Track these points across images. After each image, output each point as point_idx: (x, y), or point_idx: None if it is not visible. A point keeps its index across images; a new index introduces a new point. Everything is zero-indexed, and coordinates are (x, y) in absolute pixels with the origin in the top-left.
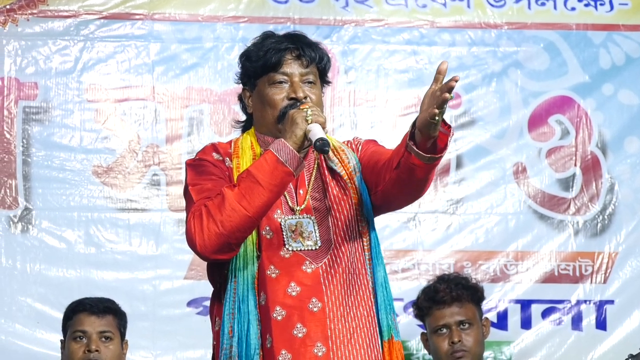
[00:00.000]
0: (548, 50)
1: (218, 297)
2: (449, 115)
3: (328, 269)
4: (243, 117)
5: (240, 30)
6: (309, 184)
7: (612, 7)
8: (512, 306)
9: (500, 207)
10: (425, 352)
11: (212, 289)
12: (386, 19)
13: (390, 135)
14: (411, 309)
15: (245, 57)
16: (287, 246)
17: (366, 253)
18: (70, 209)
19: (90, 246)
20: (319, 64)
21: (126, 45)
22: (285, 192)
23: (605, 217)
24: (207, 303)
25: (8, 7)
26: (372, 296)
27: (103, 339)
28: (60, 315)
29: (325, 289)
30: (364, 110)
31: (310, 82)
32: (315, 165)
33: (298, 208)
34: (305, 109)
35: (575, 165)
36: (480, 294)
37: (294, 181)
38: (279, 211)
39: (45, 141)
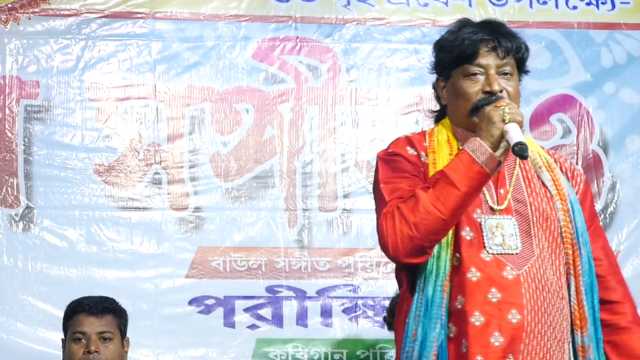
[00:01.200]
0: (550, 49)
1: (406, 297)
2: None
3: (529, 279)
4: (438, 107)
5: (242, 29)
6: (510, 184)
7: (613, 6)
8: None
9: None
10: None
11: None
12: (388, 18)
13: (392, 133)
14: None
15: (439, 47)
16: (487, 248)
17: (571, 277)
18: (71, 207)
19: (92, 245)
20: (516, 55)
21: (128, 44)
22: (485, 190)
23: (607, 215)
24: (208, 302)
25: (10, 5)
26: (567, 320)
27: (102, 340)
28: (62, 314)
29: (526, 302)
30: (366, 108)
31: (506, 74)
32: (517, 165)
33: (498, 207)
34: (502, 107)
35: (576, 163)
36: None
37: (494, 179)
38: (478, 210)
39: (47, 140)
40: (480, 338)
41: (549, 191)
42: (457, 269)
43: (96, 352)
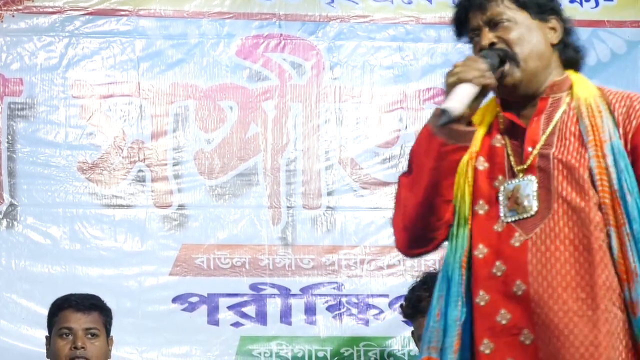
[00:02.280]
0: None
1: None
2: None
3: (539, 242)
4: None
5: (226, 26)
6: (542, 138)
7: (597, 4)
8: None
9: None
10: (411, 349)
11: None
12: (372, 15)
13: (376, 131)
14: (396, 305)
15: (452, 25)
16: (502, 218)
17: (610, 228)
18: (55, 205)
19: (76, 242)
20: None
21: (111, 42)
22: (510, 152)
23: None
24: (192, 299)
25: None
26: (606, 275)
27: (89, 336)
28: (46, 312)
29: (532, 268)
30: (350, 106)
31: (501, 22)
32: (559, 115)
33: (519, 168)
34: (456, 67)
35: None
36: None
37: (527, 135)
38: (500, 177)
39: (30, 137)
40: (485, 319)
41: (584, 139)
42: (470, 246)
43: (82, 347)
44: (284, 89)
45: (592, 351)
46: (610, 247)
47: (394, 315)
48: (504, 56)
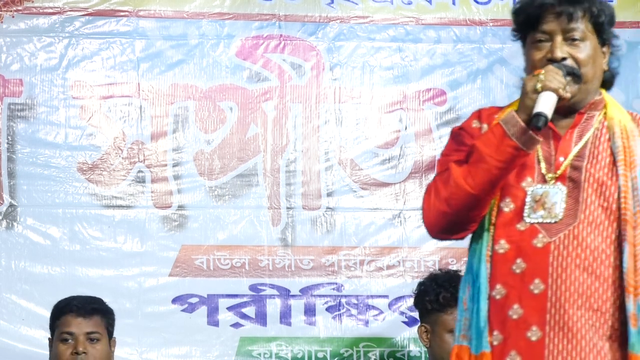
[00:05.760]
0: None
1: None
2: (433, 112)
3: (562, 246)
4: None
5: (226, 27)
6: (573, 150)
7: None
8: None
9: None
10: (411, 350)
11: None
12: (371, 16)
13: (376, 131)
14: (397, 305)
15: (514, 13)
16: (525, 218)
17: (625, 244)
18: (55, 205)
19: (75, 243)
20: (590, 19)
21: (111, 42)
22: (542, 158)
23: None
24: (192, 300)
25: None
26: (615, 288)
27: (90, 340)
28: (45, 312)
29: (552, 270)
30: (349, 107)
31: (575, 40)
32: (591, 131)
33: (550, 175)
34: (539, 74)
35: None
36: None
37: (556, 146)
38: (529, 179)
39: (30, 138)
40: (498, 312)
41: (615, 158)
42: (492, 241)
43: (84, 352)
44: (284, 90)
45: (596, 355)
46: (621, 262)
47: (394, 316)
48: (571, 73)
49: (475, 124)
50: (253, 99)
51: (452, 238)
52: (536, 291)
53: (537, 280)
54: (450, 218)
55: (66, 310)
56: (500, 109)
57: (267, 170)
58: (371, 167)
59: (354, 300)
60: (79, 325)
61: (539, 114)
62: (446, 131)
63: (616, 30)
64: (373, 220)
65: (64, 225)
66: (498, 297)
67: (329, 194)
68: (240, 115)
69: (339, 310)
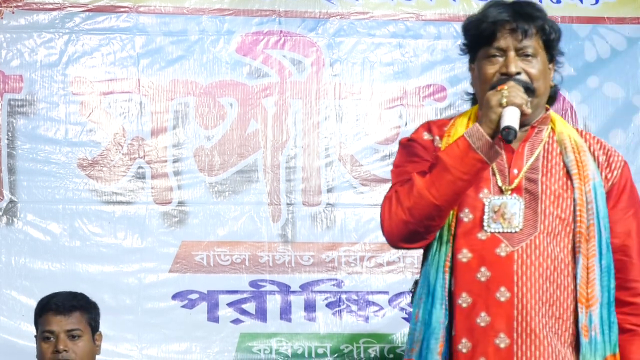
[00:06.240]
0: None
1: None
2: (433, 108)
3: (525, 255)
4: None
5: (226, 23)
6: (527, 163)
7: (597, 0)
8: None
9: None
10: None
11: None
12: (372, 12)
13: (376, 127)
14: (397, 302)
15: (465, 28)
16: (485, 228)
17: (580, 256)
18: (55, 201)
19: (75, 239)
20: (542, 37)
21: (111, 38)
22: (496, 170)
23: None
24: (192, 296)
25: None
26: (573, 297)
27: (71, 338)
28: None
29: (517, 278)
30: (349, 102)
31: (528, 55)
32: (541, 145)
33: (507, 187)
34: (502, 90)
35: None
36: None
37: (509, 158)
38: (485, 190)
39: (30, 134)
40: (465, 320)
41: (569, 171)
42: (453, 250)
43: (65, 350)
44: (284, 86)
45: None
46: (575, 274)
47: (394, 312)
48: (526, 88)
49: (426, 136)
50: (253, 95)
51: (410, 247)
52: (502, 299)
53: (502, 288)
54: (412, 227)
55: (46, 308)
56: (449, 120)
57: (267, 167)
58: (371, 163)
59: (354, 296)
60: (59, 323)
61: (509, 128)
62: None
63: (615, 27)
64: (373, 216)
65: (64, 221)
66: (464, 305)
67: (329, 190)
68: (240, 111)
69: (339, 306)
